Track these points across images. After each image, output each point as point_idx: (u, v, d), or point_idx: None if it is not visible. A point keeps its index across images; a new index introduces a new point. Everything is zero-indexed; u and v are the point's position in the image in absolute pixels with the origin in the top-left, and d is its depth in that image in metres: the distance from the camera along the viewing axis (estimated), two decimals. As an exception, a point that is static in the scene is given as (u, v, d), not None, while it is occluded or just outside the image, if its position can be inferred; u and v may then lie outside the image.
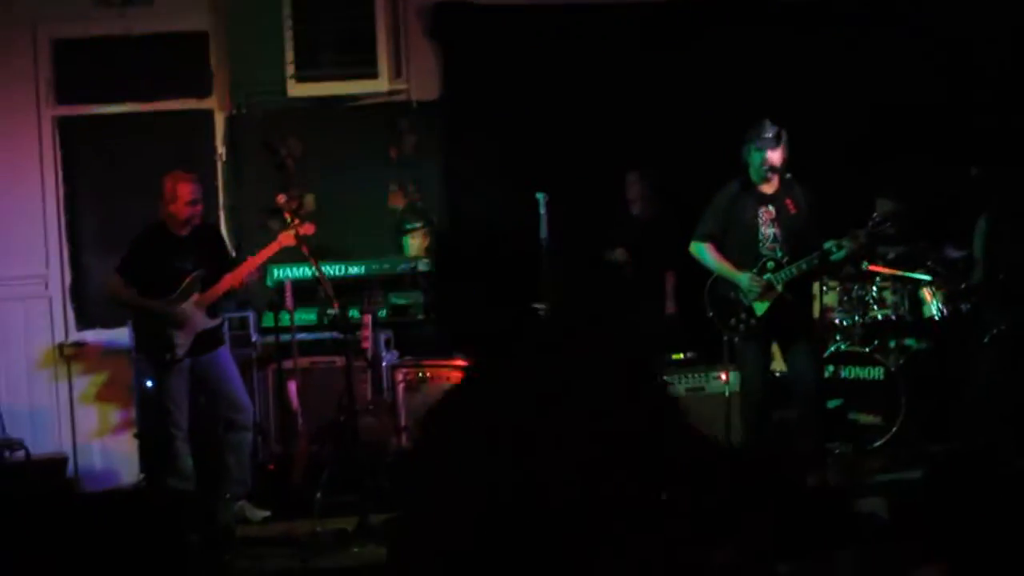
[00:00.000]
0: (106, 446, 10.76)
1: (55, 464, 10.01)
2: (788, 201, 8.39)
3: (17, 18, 10.86)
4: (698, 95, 10.76)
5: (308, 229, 8.81)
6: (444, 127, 11.12)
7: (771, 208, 8.45)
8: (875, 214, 8.30)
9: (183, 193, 8.64)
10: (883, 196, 10.07)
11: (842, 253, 8.28)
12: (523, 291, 3.53)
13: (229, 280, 8.74)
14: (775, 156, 8.37)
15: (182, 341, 8.66)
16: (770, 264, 8.36)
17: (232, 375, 8.91)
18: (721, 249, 8.56)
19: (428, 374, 9.63)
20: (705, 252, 8.57)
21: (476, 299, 3.49)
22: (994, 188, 8.98)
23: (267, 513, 8.88)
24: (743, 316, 8.44)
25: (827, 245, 8.23)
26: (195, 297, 8.69)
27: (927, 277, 9.77)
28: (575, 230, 10.32)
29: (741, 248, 8.51)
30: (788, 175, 8.38)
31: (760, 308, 8.37)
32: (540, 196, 9.10)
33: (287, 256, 9.27)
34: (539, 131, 10.80)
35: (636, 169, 10.63)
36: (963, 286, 9.48)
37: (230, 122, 11.08)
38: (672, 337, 10.22)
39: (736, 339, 8.72)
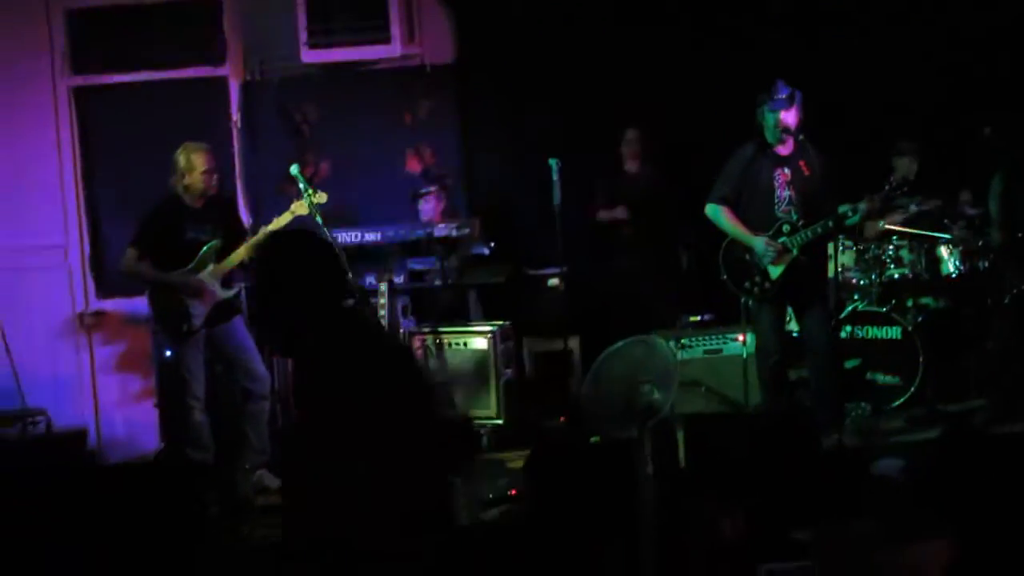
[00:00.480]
0: (128, 415, 10.84)
1: (75, 437, 10.05)
2: (802, 163, 8.33)
3: (31, -11, 10.88)
4: (713, 49, 10.72)
5: (320, 197, 8.78)
6: (459, 91, 11.11)
7: (787, 170, 8.39)
8: (891, 177, 8.24)
9: (199, 163, 8.62)
10: (900, 155, 10.07)
11: (857, 217, 8.25)
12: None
13: (244, 251, 8.74)
14: (789, 117, 8.31)
15: (199, 312, 8.66)
16: (786, 227, 8.32)
17: (248, 345, 8.91)
18: (736, 211, 8.52)
19: (446, 340, 9.65)
20: (721, 215, 8.52)
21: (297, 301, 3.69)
22: (1007, 147, 8.94)
23: (286, 480, 8.90)
24: (758, 279, 8.41)
25: (842, 209, 8.19)
26: (210, 267, 8.69)
27: (944, 235, 9.72)
28: (590, 190, 10.43)
29: (757, 210, 8.46)
30: (801, 136, 8.31)
31: (775, 271, 8.34)
32: (553, 162, 9.13)
33: (303, 225, 9.27)
34: (554, 92, 10.81)
35: (635, 126, 10.60)
36: (980, 243, 9.44)
37: (245, 89, 11.13)
38: (679, 295, 10.28)
39: (751, 301, 8.71)
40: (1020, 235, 8.74)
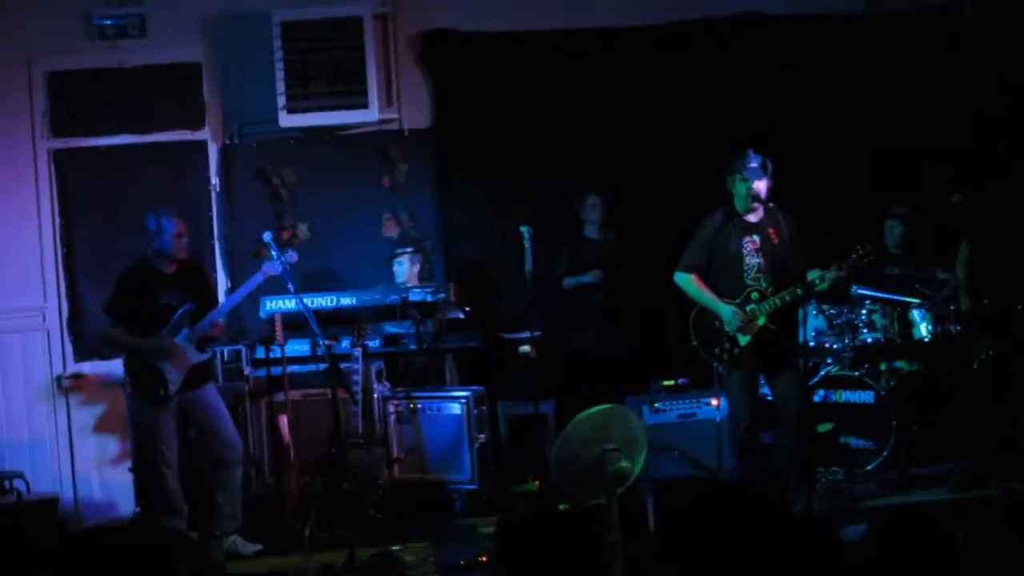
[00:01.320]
0: (105, 477, 10.82)
1: (46, 505, 10.00)
2: (771, 230, 8.37)
3: (12, 51, 10.93)
4: (687, 117, 10.91)
5: (291, 259, 8.84)
6: (436, 155, 11.19)
7: (755, 238, 8.45)
8: (858, 246, 8.24)
9: (168, 227, 8.67)
10: (892, 217, 10.17)
11: (825, 284, 8.24)
12: None
13: (216, 315, 8.78)
14: (761, 185, 8.37)
15: (174, 377, 8.66)
16: (754, 295, 8.37)
17: (220, 411, 8.90)
18: (706, 278, 8.57)
19: (420, 405, 9.67)
20: (690, 283, 8.57)
21: None
22: (973, 214, 9.01)
23: (259, 547, 8.85)
24: (727, 346, 8.45)
25: (811, 276, 8.21)
26: (185, 332, 8.71)
27: (915, 300, 9.78)
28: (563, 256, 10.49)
29: (726, 278, 8.51)
30: (771, 204, 8.34)
31: (744, 338, 8.38)
32: (524, 230, 9.19)
33: (278, 288, 9.32)
34: (528, 157, 10.92)
35: (596, 191, 10.66)
36: (952, 308, 9.48)
37: (224, 152, 11.17)
38: (653, 357, 10.33)
39: (722, 367, 8.73)
40: (986, 301, 8.78)
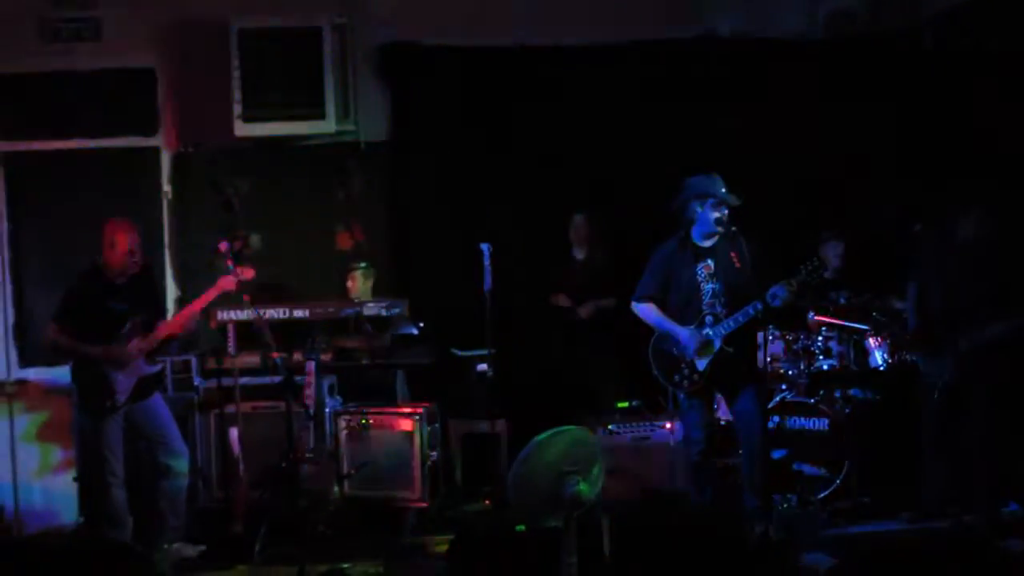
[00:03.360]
0: (47, 485, 10.65)
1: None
2: (733, 255, 8.29)
3: (-38, 54, 10.77)
4: (646, 137, 10.84)
5: (248, 273, 8.73)
6: (393, 168, 11.11)
7: (710, 263, 8.40)
8: (808, 261, 8.19)
9: (121, 242, 8.56)
10: (830, 240, 10.15)
11: (779, 302, 8.15)
12: None
13: (168, 327, 8.68)
14: (727, 211, 8.34)
15: (123, 387, 8.56)
16: (709, 319, 8.31)
17: (167, 421, 8.80)
18: (662, 305, 8.51)
19: (371, 421, 9.54)
20: (647, 311, 8.54)
21: None
22: (927, 243, 9.05)
23: (203, 547, 8.77)
24: (686, 372, 8.38)
25: (768, 295, 8.13)
26: (135, 342, 8.59)
27: (866, 327, 9.77)
28: (521, 275, 10.36)
29: (682, 304, 8.46)
30: (734, 228, 8.29)
31: (702, 363, 8.32)
32: (484, 247, 9.08)
33: (231, 299, 9.19)
34: (486, 173, 10.87)
35: (583, 212, 10.63)
36: (908, 337, 9.45)
37: (177, 160, 11.06)
38: (616, 381, 10.24)
39: (681, 393, 8.65)
40: (933, 331, 8.78)
